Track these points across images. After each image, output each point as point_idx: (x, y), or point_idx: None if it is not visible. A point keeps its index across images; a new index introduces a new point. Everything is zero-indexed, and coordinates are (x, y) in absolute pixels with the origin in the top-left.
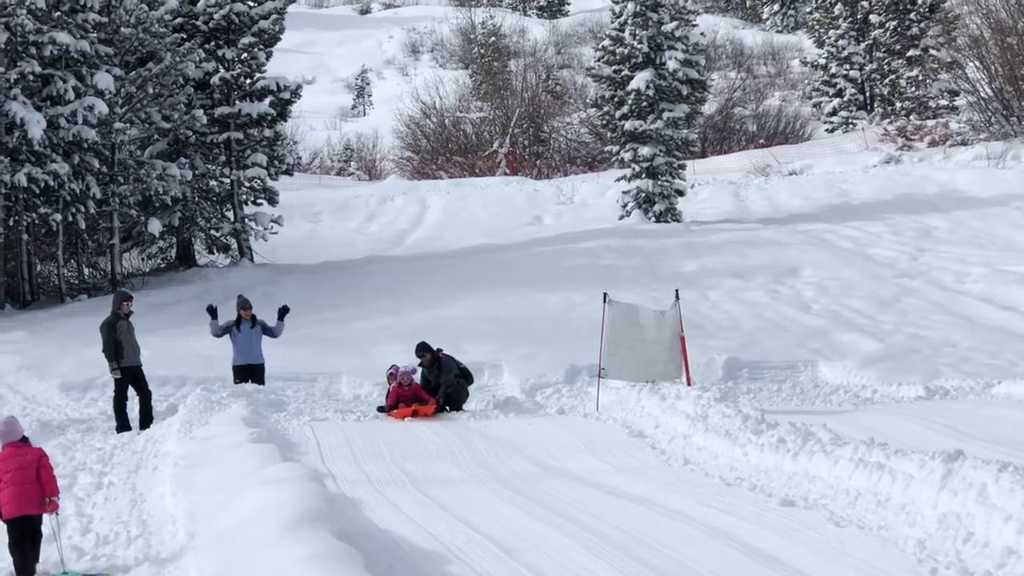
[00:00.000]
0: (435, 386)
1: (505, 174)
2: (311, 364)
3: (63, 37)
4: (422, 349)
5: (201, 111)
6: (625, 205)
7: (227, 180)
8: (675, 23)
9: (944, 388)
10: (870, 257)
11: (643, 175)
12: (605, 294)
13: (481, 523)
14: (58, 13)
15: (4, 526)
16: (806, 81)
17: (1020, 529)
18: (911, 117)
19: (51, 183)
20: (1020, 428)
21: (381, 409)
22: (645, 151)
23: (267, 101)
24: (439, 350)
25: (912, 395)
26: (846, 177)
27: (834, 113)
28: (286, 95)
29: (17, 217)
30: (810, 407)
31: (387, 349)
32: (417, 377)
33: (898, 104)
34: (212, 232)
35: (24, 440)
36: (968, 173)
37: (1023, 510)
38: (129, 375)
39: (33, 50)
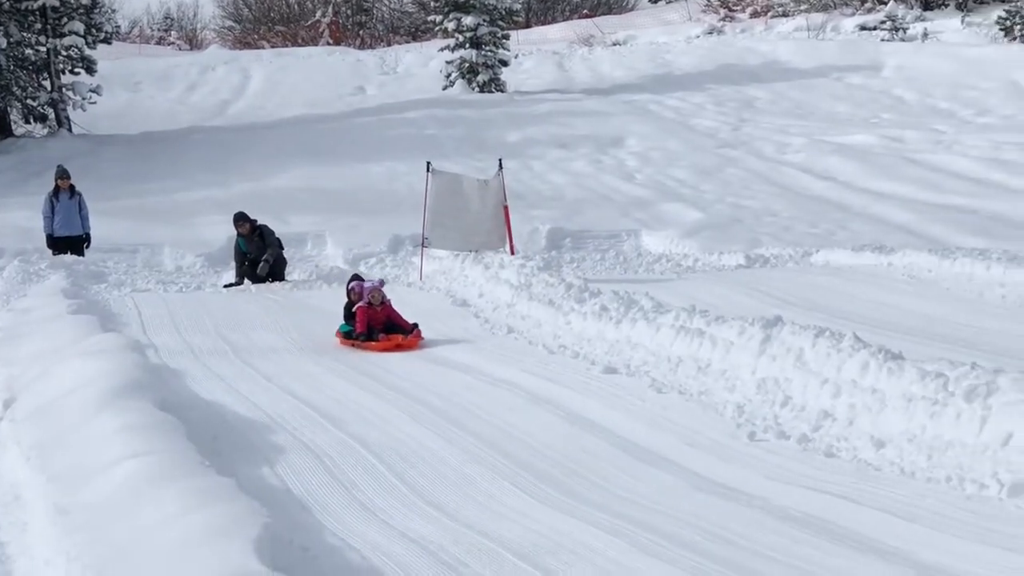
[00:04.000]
0: (255, 257)
1: (328, 44)
2: (132, 235)
3: None
4: (241, 219)
5: None
6: (449, 75)
7: (43, 48)
8: None
9: (764, 256)
10: (693, 127)
11: (467, 45)
12: (428, 163)
13: (305, 393)
14: None
15: None
16: None
17: (835, 393)
18: None
19: None
20: (837, 295)
21: (348, 335)
22: (468, 21)
23: None
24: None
25: (733, 264)
26: (669, 48)
27: None
28: None
29: None
30: (633, 276)
31: (210, 219)
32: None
33: None
34: (28, 102)
35: None
36: (789, 44)
37: (838, 374)
38: None
39: None
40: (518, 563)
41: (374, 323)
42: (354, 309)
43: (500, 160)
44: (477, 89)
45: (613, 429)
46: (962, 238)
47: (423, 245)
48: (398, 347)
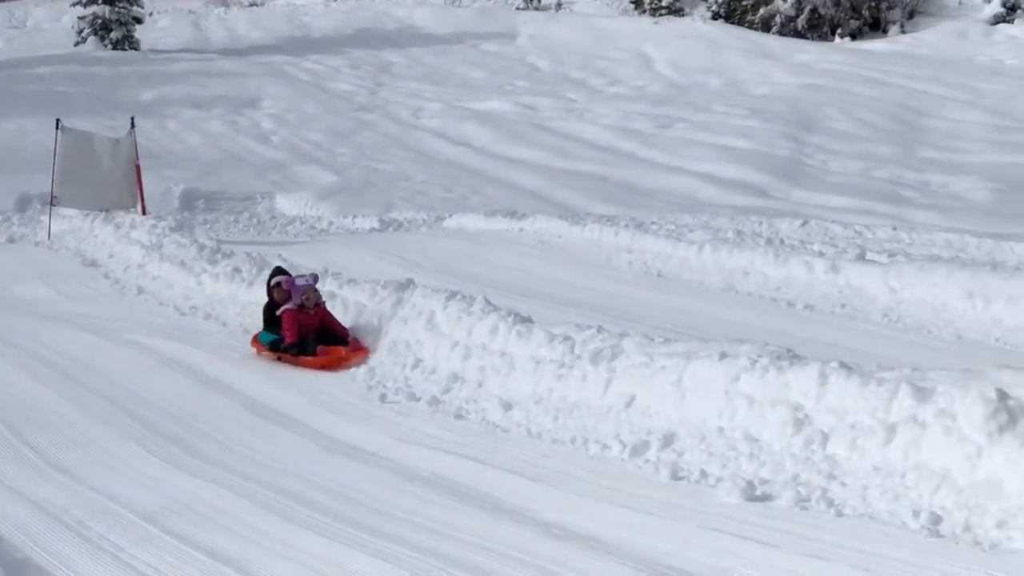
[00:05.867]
0: None
1: None
2: None
3: None
4: None
5: None
6: (81, 31)
7: None
8: None
9: (398, 220)
10: (329, 91)
11: (99, 1)
12: (58, 121)
13: None
14: None
15: None
16: None
17: (466, 355)
18: None
19: None
20: (469, 259)
21: (274, 346)
22: None
23: None
24: None
25: (367, 227)
26: (307, 10)
27: None
28: None
29: None
30: (267, 238)
31: None
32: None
33: None
34: None
35: None
36: (425, 10)
37: (469, 337)
38: None
39: None
40: (144, 525)
41: (306, 330)
42: (279, 312)
43: (132, 119)
44: (110, 46)
45: (244, 391)
46: (592, 205)
47: (52, 204)
48: (340, 362)
